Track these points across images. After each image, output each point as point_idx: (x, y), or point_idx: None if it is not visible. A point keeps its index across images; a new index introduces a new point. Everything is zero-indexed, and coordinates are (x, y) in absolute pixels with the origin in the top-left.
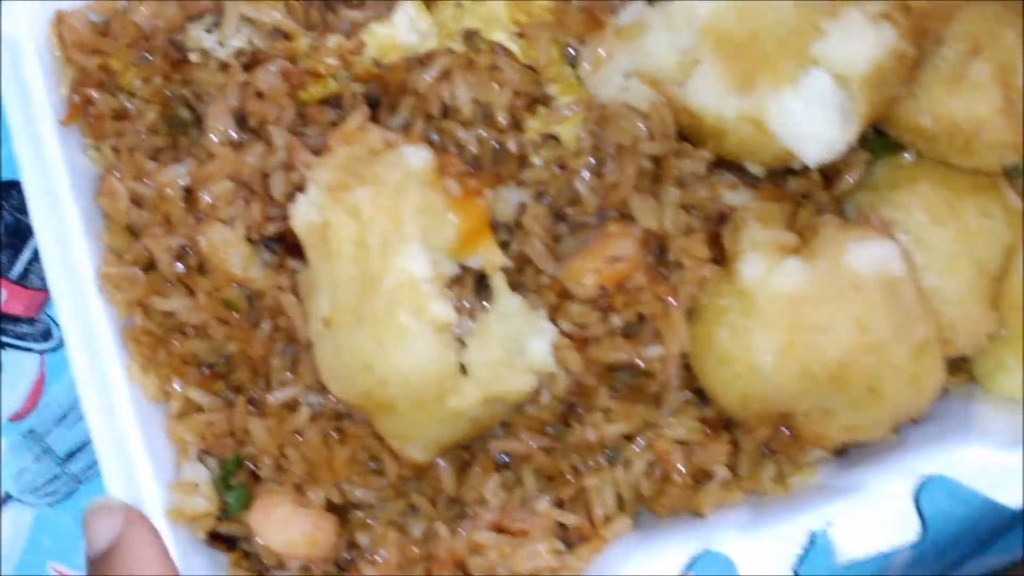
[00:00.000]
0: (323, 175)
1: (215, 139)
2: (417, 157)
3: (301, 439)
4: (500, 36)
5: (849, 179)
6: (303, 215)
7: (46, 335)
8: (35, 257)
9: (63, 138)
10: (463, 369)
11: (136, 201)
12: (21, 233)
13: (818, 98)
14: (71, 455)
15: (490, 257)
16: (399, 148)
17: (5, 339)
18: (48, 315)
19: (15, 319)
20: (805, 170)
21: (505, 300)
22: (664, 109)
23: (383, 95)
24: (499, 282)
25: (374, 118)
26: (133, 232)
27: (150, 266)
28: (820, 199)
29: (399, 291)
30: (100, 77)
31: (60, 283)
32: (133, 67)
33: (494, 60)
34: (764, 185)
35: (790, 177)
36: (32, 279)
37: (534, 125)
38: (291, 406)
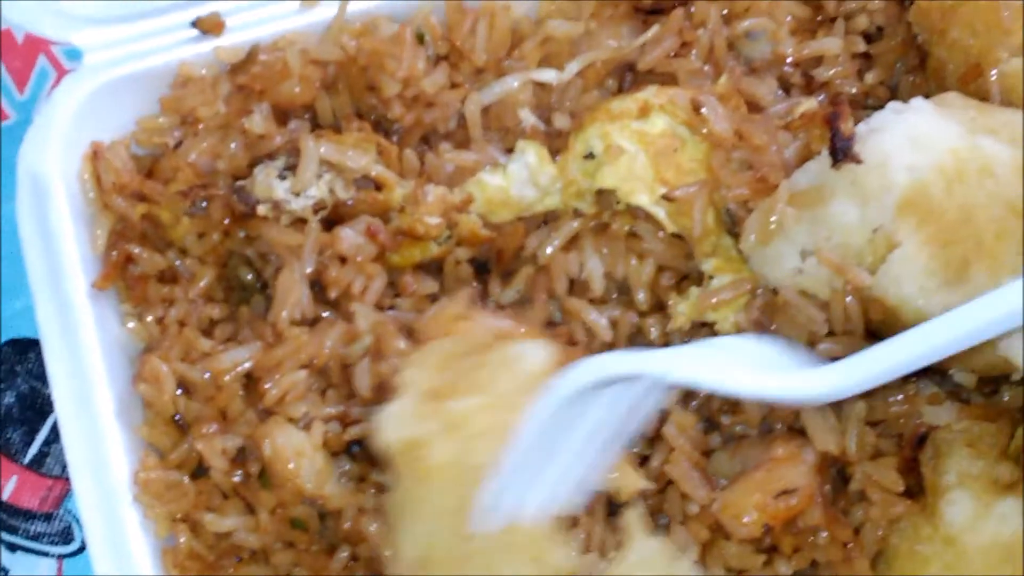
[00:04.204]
0: (417, 378)
1: (285, 315)
2: (535, 357)
3: None
4: (642, 199)
5: None
6: (393, 429)
7: (66, 536)
8: (55, 437)
9: (96, 304)
10: None
11: (185, 388)
12: (39, 406)
13: None
14: None
15: (625, 481)
16: (512, 345)
17: (14, 539)
18: (70, 510)
19: (27, 514)
20: None
21: (641, 544)
22: (850, 300)
23: (494, 260)
24: (635, 519)
25: (483, 287)
26: (179, 428)
27: (199, 472)
28: None
29: (513, 531)
30: (144, 229)
31: (87, 490)
32: (186, 218)
33: (633, 226)
34: (974, 398)
35: (1005, 387)
36: (50, 464)
37: (683, 309)
38: None
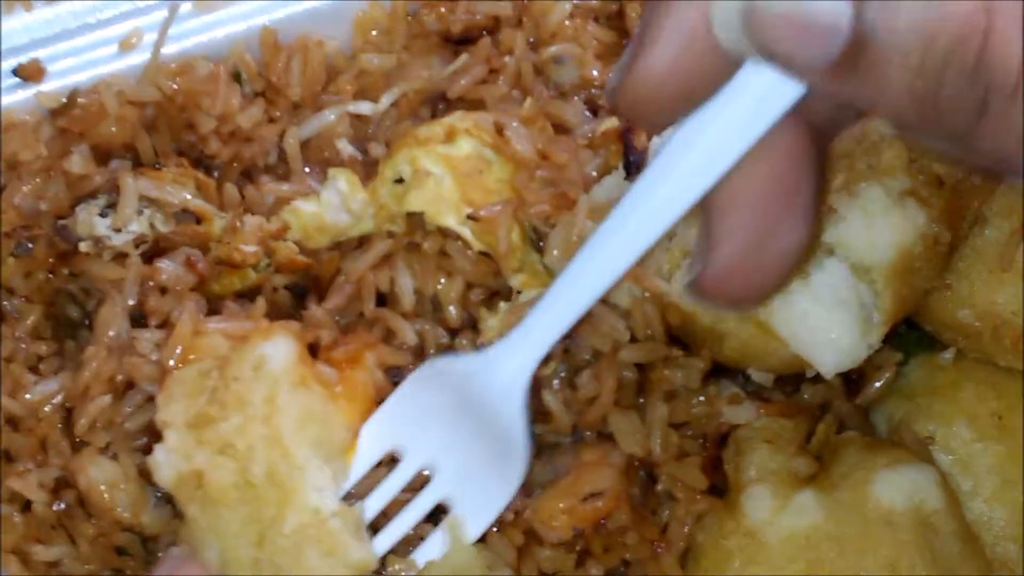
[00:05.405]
0: (175, 413)
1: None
2: (277, 355)
3: None
4: (449, 220)
5: (877, 385)
6: (167, 470)
7: None
8: None
9: None
10: None
11: (13, 424)
12: None
13: (833, 294)
14: None
15: None
16: (252, 351)
17: None
18: None
19: None
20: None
21: (455, 552)
22: (649, 307)
23: (312, 286)
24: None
25: (302, 308)
26: (10, 462)
27: (29, 505)
28: (841, 410)
29: (305, 531)
30: None
31: None
32: (11, 259)
33: (443, 245)
34: (772, 396)
35: (804, 384)
36: None
37: (493, 324)
38: None
